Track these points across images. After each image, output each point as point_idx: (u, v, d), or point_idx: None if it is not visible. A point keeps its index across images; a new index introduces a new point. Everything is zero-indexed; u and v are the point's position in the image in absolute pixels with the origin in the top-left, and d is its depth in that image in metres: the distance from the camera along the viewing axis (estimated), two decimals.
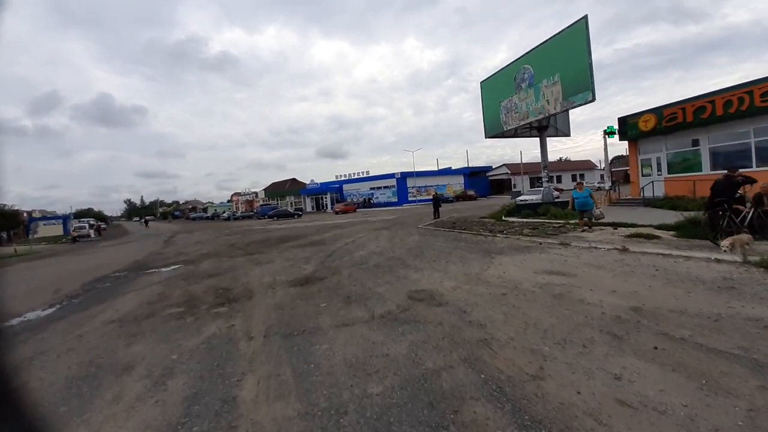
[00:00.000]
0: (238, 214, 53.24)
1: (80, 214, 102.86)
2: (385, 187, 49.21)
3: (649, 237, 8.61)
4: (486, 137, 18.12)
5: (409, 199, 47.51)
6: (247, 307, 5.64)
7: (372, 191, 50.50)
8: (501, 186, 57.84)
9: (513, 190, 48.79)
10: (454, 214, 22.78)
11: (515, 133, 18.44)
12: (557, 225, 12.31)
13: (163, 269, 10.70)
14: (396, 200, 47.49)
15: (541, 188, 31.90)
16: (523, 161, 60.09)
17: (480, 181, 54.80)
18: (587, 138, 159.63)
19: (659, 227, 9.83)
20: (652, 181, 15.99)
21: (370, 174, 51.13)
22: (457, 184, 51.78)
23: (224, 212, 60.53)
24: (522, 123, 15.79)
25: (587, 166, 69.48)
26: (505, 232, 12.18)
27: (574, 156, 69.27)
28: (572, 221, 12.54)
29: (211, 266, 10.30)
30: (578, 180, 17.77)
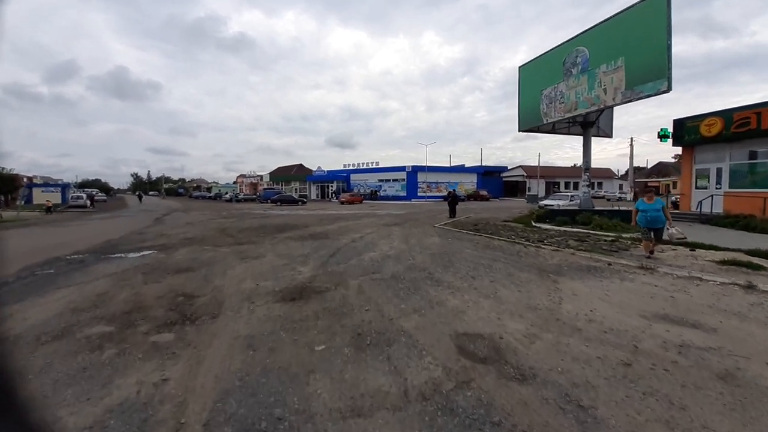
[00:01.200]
0: (241, 196, 51.50)
1: (85, 184, 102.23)
2: (394, 180, 47.07)
3: (756, 267, 6.52)
4: (520, 130, 15.92)
5: (419, 194, 45.38)
6: (204, 338, 3.68)
7: (380, 183, 48.39)
8: (515, 188, 55.45)
9: (528, 193, 46.51)
10: (471, 215, 20.69)
11: (553, 128, 16.20)
12: (609, 239, 10.22)
13: (131, 254, 8.79)
14: (405, 194, 45.39)
15: (568, 193, 29.71)
16: (537, 164, 57.68)
17: (493, 181, 52.46)
18: (600, 147, 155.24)
19: (753, 253, 7.71)
20: (711, 195, 13.74)
21: (380, 165, 48.99)
22: (469, 182, 49.50)
23: (227, 193, 58.84)
24: (567, 115, 13.55)
25: (606, 174, 66.72)
26: (545, 241, 10.13)
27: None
28: (626, 235, 10.44)
29: (186, 256, 8.38)
30: (646, 186, 15.42)
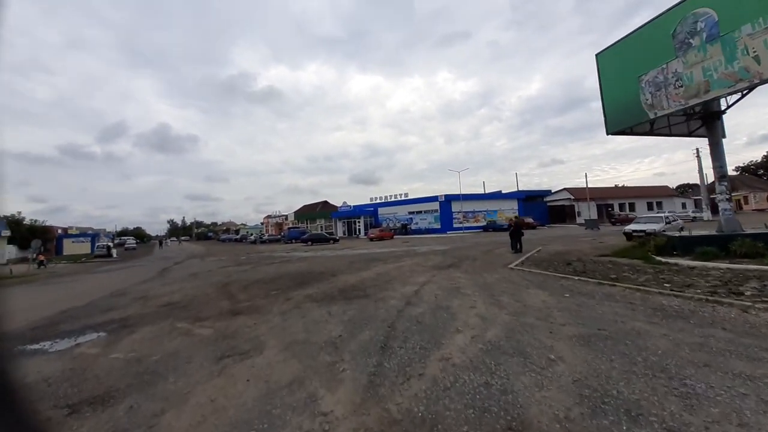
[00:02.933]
0: (266, 237, 49.54)
1: (124, 233, 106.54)
2: (426, 212, 43.37)
3: None
4: (609, 132, 12.00)
5: (455, 225, 41.19)
6: None
7: (411, 216, 44.82)
8: (562, 213, 49.93)
9: (585, 218, 41.15)
10: (539, 248, 16.32)
11: (651, 129, 12.12)
12: None
13: (57, 346, 5.43)
14: (439, 227, 41.36)
15: (660, 214, 23.98)
16: (568, 185, 52.18)
17: (537, 206, 47.45)
18: (632, 167, 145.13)
19: None
20: None
21: (409, 197, 45.74)
22: (509, 209, 44.81)
23: (251, 235, 57.34)
24: (692, 102, 9.54)
25: (665, 192, 59.83)
26: (719, 291, 5.92)
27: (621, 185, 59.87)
28: None
29: (130, 352, 4.87)
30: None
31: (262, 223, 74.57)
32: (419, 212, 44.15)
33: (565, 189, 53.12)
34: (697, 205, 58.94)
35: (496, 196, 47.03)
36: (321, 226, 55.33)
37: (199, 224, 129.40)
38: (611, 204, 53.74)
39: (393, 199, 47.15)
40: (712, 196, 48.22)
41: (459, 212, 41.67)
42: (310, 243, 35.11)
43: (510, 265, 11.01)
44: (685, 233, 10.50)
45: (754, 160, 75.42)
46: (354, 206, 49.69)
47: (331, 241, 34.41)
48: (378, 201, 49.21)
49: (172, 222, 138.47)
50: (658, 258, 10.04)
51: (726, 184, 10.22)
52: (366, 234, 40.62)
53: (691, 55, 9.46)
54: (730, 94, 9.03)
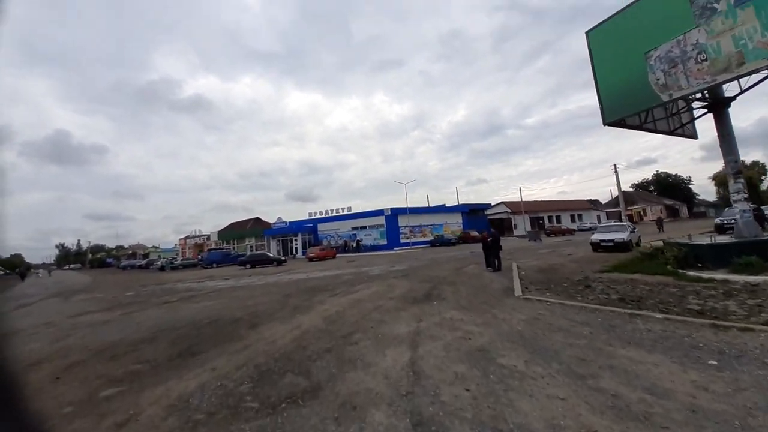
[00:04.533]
0: (178, 261, 40.97)
1: None
2: (371, 227, 40.03)
3: None
4: (606, 123, 10.05)
5: (402, 241, 38.50)
6: None
7: (354, 232, 41.04)
8: (500, 225, 50.83)
9: (517, 230, 41.76)
10: (514, 264, 13.91)
11: (643, 122, 10.52)
12: None
13: None
14: (385, 243, 38.26)
15: (621, 223, 23.24)
16: (498, 200, 54.46)
17: (479, 220, 47.43)
18: (540, 186, 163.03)
19: None
20: None
21: (352, 211, 42.07)
22: (454, 223, 43.89)
23: (161, 259, 47.60)
24: (720, 78, 7.76)
25: (583, 206, 65.62)
26: None
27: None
28: None
29: None
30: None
31: (175, 245, 63.71)
32: (363, 227, 40.64)
33: (502, 203, 54.75)
34: (609, 216, 66.06)
35: (441, 209, 45.95)
36: (251, 246, 48.33)
37: (98, 248, 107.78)
38: (542, 216, 56.87)
39: (334, 215, 42.97)
40: (608, 211, 53.24)
41: (406, 227, 39.20)
42: (248, 266, 29.02)
43: (512, 291, 7.96)
44: (713, 242, 8.57)
45: (646, 178, 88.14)
46: (290, 222, 44.20)
47: (275, 263, 28.58)
48: (318, 216, 44.54)
49: (62, 246, 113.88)
50: (690, 273, 7.88)
51: (742, 181, 8.73)
52: (304, 254, 35.61)
53: (717, 22, 7.78)
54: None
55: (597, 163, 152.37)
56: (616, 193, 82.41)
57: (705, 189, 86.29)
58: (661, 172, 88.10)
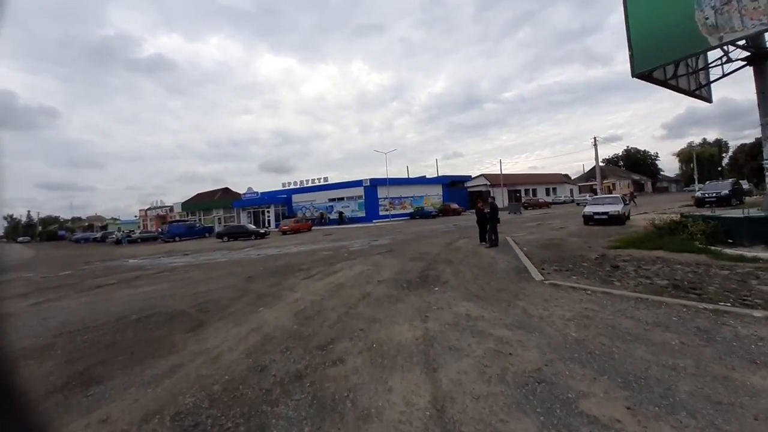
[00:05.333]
0: (136, 234, 37.37)
1: None
2: (348, 198, 37.97)
3: None
4: (634, 74, 8.39)
5: (381, 213, 36.93)
6: None
7: (331, 203, 38.88)
8: (480, 198, 50.26)
9: (503, 203, 41.33)
10: (511, 237, 12.73)
11: (671, 76, 9.11)
12: None
13: None
14: (364, 215, 36.53)
15: (611, 195, 22.46)
16: (483, 173, 53.89)
17: (458, 192, 46.52)
18: (513, 161, 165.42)
19: None
20: None
21: (329, 181, 39.64)
22: (435, 195, 42.71)
23: (119, 232, 43.60)
24: None
25: (558, 179, 66.43)
26: None
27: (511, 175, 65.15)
28: None
29: None
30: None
31: (136, 217, 58.96)
32: (341, 199, 38.54)
33: (482, 175, 54.06)
34: (582, 190, 67.55)
35: (421, 181, 44.46)
36: (220, 218, 45.16)
37: (52, 220, 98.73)
38: (519, 189, 56.97)
39: (310, 185, 40.38)
40: (581, 185, 54.42)
41: (385, 198, 37.51)
42: (226, 239, 26.49)
43: (527, 273, 6.58)
44: (747, 213, 7.49)
45: (617, 153, 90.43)
46: (262, 193, 41.20)
47: (254, 236, 25.96)
48: (292, 187, 41.77)
49: (11, 218, 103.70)
50: (726, 250, 6.79)
51: None
52: (277, 226, 33.31)
53: None
54: None
55: (567, 139, 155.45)
56: (587, 167, 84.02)
57: (666, 166, 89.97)
58: (631, 148, 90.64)
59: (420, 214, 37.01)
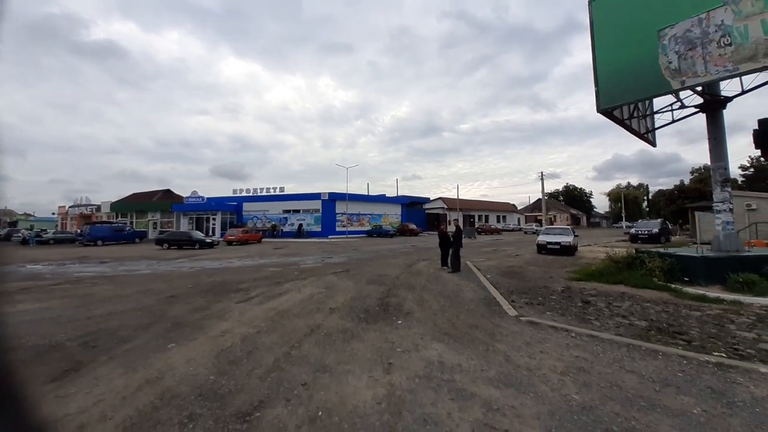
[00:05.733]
0: (48, 234, 31.84)
1: None
2: (305, 211, 36.17)
3: None
4: (599, 109, 8.51)
5: (338, 229, 35.61)
6: None
7: (286, 215, 36.73)
8: (436, 220, 51.11)
9: (451, 226, 42.01)
10: (465, 261, 12.37)
11: (632, 116, 9.52)
12: None
13: None
14: (320, 229, 34.92)
15: (562, 226, 23.29)
16: (434, 197, 55.55)
17: (417, 213, 46.91)
18: (466, 188, 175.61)
19: None
20: None
21: (285, 192, 37.59)
22: (393, 214, 42.51)
23: (29, 230, 37.11)
24: (747, 67, 6.60)
25: (508, 208, 70.10)
26: None
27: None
28: None
29: None
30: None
31: (54, 214, 51.15)
32: (297, 211, 36.63)
33: (440, 198, 55.23)
34: (528, 220, 71.98)
35: (381, 199, 44.12)
36: (156, 223, 40.52)
37: None
38: (473, 215, 59.12)
39: (264, 194, 37.99)
40: (526, 214, 57.99)
41: (343, 214, 36.36)
42: (166, 246, 23.13)
43: (497, 305, 5.96)
44: (702, 253, 7.67)
45: (558, 189, 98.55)
46: (208, 198, 37.81)
47: (198, 245, 22.74)
48: (244, 194, 38.98)
49: None
50: (687, 289, 6.79)
51: (729, 190, 8.03)
52: (223, 235, 30.45)
53: (747, 3, 6.62)
54: None
55: (514, 172, 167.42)
56: (533, 199, 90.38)
57: (597, 203, 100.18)
58: (570, 185, 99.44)
59: (378, 232, 36.33)
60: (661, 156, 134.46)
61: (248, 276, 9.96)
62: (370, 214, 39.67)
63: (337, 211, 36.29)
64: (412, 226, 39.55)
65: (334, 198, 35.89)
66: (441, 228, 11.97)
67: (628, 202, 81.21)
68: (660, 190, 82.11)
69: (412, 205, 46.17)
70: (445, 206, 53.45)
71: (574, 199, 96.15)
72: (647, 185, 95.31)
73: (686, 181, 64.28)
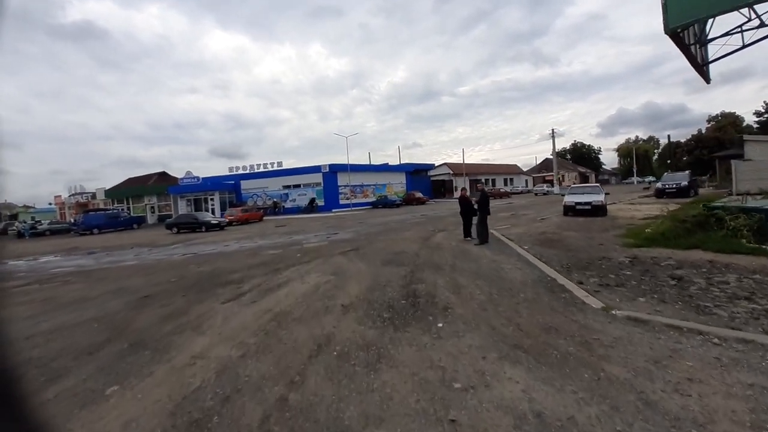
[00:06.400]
0: (43, 226, 30.69)
1: None
2: (305, 185, 34.49)
3: None
4: (667, 29, 6.46)
5: (341, 202, 34.05)
6: None
7: (286, 192, 35.13)
8: (442, 187, 49.29)
9: (457, 192, 40.19)
10: (496, 228, 10.90)
11: (700, 38, 7.53)
12: None
13: None
14: (322, 203, 33.42)
15: (584, 185, 21.45)
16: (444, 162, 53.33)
17: (422, 181, 44.98)
18: (468, 153, 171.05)
19: None
20: None
21: (283, 167, 35.72)
22: (398, 183, 40.65)
23: (18, 223, 36.11)
24: None
25: (515, 170, 67.88)
26: None
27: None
28: None
29: None
30: None
31: (50, 204, 50.04)
32: (297, 186, 34.98)
33: (445, 164, 53.07)
34: (536, 181, 69.69)
35: (384, 168, 42.15)
36: (153, 207, 39.26)
37: None
38: (479, 179, 57.09)
39: (262, 171, 36.17)
40: (535, 176, 56.03)
41: (346, 186, 34.64)
42: (176, 230, 21.85)
43: (561, 290, 4.50)
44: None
45: (564, 147, 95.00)
46: (204, 178, 36.10)
47: (204, 228, 21.08)
48: (241, 172, 37.20)
49: None
50: None
51: None
52: (222, 216, 29.11)
53: None
54: None
55: (516, 134, 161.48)
56: (540, 159, 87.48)
57: (605, 160, 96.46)
58: (578, 142, 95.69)
59: (383, 203, 34.76)
60: (666, 107, 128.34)
61: (243, 262, 8.59)
62: (374, 185, 37.90)
63: (339, 184, 34.54)
64: (419, 195, 37.85)
65: (336, 170, 34.00)
66: (463, 194, 10.39)
67: (638, 157, 78.17)
68: (673, 142, 78.79)
69: (416, 173, 44.13)
70: (451, 172, 51.35)
71: (581, 156, 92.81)
72: (657, 138, 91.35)
73: (703, 130, 61.04)
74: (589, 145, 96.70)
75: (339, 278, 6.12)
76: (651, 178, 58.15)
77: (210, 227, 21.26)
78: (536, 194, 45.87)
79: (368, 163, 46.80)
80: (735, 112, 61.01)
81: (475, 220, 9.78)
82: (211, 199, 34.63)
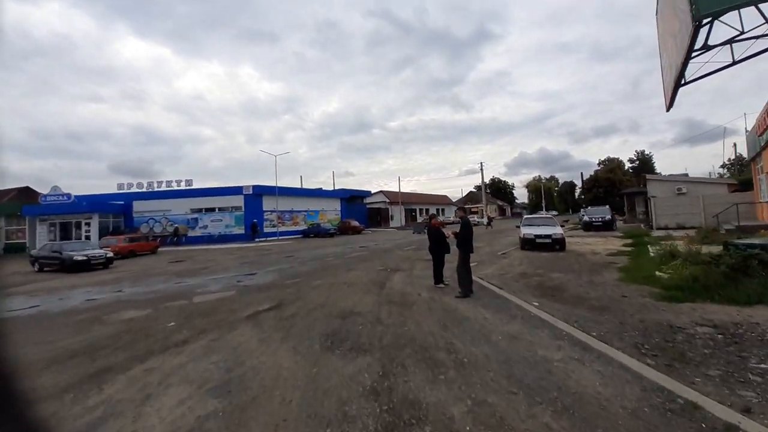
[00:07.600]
0: None
1: None
2: (222, 210, 28.96)
3: None
4: (696, 18, 5.26)
5: (266, 230, 29.23)
6: None
7: (195, 215, 29.02)
8: (377, 216, 47.37)
9: (393, 221, 39.17)
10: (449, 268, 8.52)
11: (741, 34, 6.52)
12: None
13: None
14: (242, 231, 28.22)
15: (536, 216, 20.97)
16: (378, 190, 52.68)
17: (358, 208, 42.43)
18: (396, 184, 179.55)
19: None
20: None
21: (193, 186, 29.72)
22: (332, 210, 37.40)
23: None
24: None
25: (445, 201, 70.06)
26: None
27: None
28: None
29: None
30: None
31: None
32: (211, 210, 29.26)
33: (381, 191, 51.77)
34: (465, 212, 72.96)
35: (318, 193, 38.70)
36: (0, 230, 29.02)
37: None
38: (414, 209, 57.11)
39: (165, 189, 29.60)
40: (458, 208, 58.70)
41: (272, 211, 30.16)
42: (37, 268, 14.33)
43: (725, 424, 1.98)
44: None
45: (485, 181, 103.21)
46: (78, 197, 27.90)
47: (58, 263, 14.17)
48: (135, 190, 29.96)
49: None
50: None
51: None
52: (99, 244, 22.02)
53: None
54: None
55: (439, 168, 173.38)
56: (459, 193, 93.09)
57: (516, 194, 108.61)
58: (495, 178, 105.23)
59: (315, 231, 31.06)
60: (555, 153, 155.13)
61: (48, 347, 4.54)
62: (305, 211, 34.00)
63: (264, 209, 29.89)
64: (355, 223, 35.08)
65: (261, 192, 29.41)
66: (433, 222, 7.90)
67: (544, 193, 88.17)
68: (568, 182, 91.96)
69: (352, 200, 41.51)
70: (387, 200, 50.10)
71: (499, 190, 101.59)
72: (557, 178, 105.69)
73: (592, 172, 71.53)
74: (504, 181, 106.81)
75: (231, 404, 2.79)
76: (554, 212, 64.78)
77: (75, 267, 13.86)
78: (475, 224, 46.80)
79: (300, 186, 42.78)
80: (618, 158, 72.98)
81: (447, 258, 7.29)
82: (87, 224, 26.69)
